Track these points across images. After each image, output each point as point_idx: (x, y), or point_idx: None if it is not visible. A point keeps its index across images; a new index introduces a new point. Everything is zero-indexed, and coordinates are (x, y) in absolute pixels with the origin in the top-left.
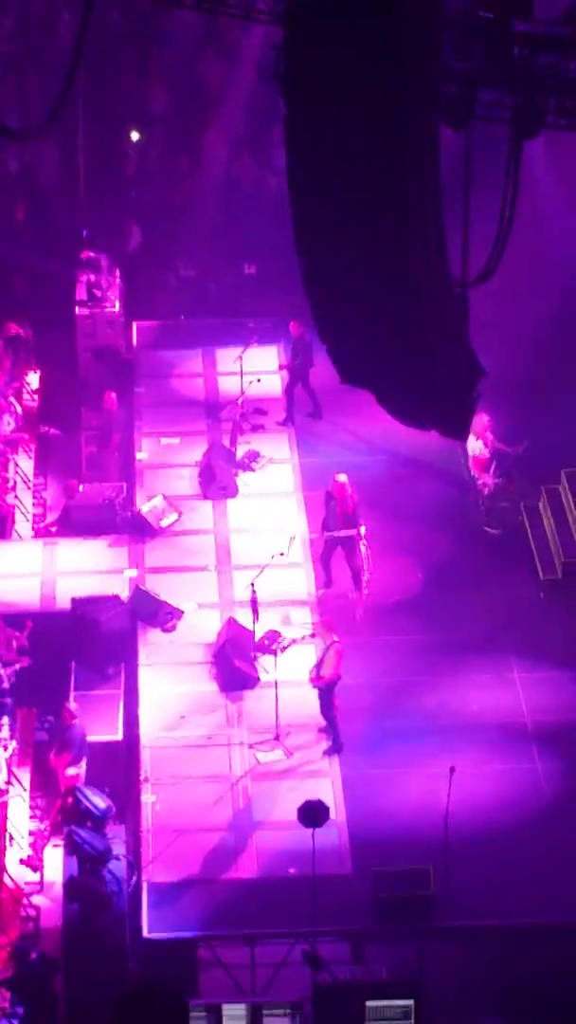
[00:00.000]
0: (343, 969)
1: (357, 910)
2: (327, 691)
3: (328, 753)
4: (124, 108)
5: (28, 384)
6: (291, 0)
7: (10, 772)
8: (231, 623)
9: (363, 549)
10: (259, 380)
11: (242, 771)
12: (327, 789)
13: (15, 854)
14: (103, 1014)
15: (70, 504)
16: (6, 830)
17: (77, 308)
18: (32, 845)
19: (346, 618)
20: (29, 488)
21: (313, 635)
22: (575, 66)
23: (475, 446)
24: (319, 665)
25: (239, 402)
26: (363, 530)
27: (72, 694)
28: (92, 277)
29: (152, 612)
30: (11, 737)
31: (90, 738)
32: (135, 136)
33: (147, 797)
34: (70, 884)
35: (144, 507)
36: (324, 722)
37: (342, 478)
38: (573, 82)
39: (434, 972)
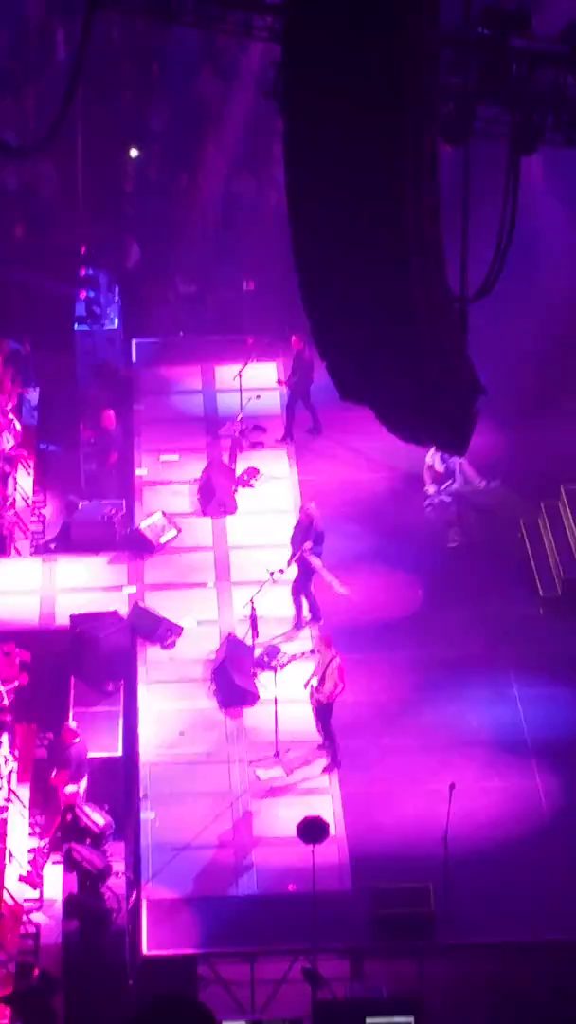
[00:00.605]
0: (343, 986)
1: (357, 927)
2: (327, 707)
3: (328, 769)
4: (123, 125)
5: (27, 401)
6: (290, 18)
7: (10, 789)
8: (230, 639)
9: (313, 561)
10: (258, 397)
11: (242, 788)
12: (327, 806)
13: (14, 871)
14: None
15: (69, 521)
16: (6, 847)
17: (76, 325)
18: (31, 862)
19: (347, 633)
20: (28, 505)
21: (313, 651)
22: (573, 82)
23: (433, 458)
24: (320, 681)
25: (238, 419)
26: (308, 544)
27: (72, 711)
28: (91, 294)
29: (151, 629)
30: (11, 754)
31: (89, 755)
32: (134, 153)
33: (146, 814)
34: (69, 901)
35: (143, 524)
36: (323, 738)
37: (311, 506)
38: (571, 98)
39: (434, 989)
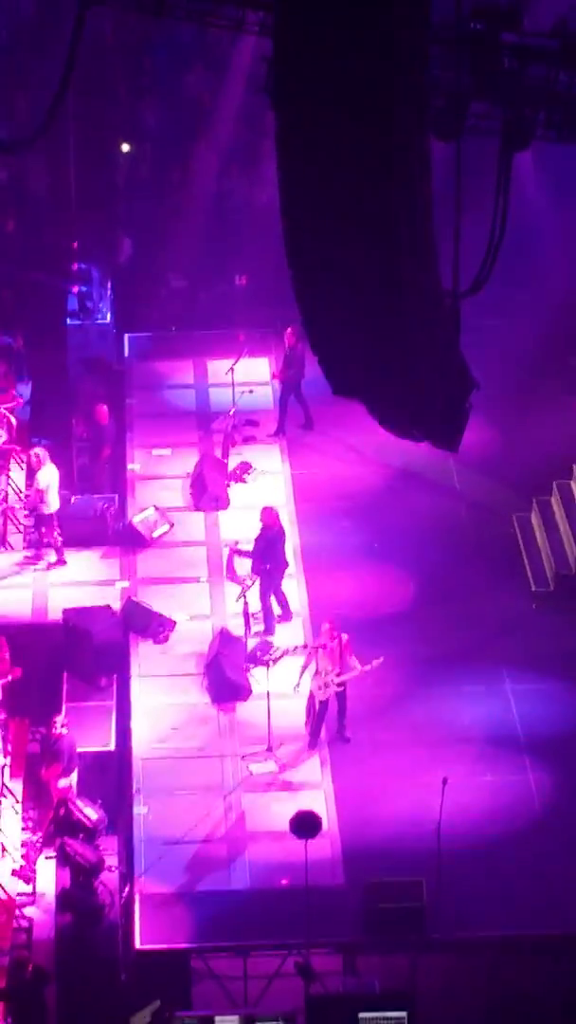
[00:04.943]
0: (336, 981)
1: (350, 921)
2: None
3: (311, 746)
4: (115, 120)
5: (20, 395)
6: (281, 13)
7: (2, 783)
8: (223, 634)
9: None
10: (251, 391)
11: (234, 782)
12: (319, 800)
13: (7, 865)
14: None
15: (62, 516)
16: None
17: (68, 319)
18: (24, 856)
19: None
20: (20, 499)
21: (304, 646)
22: (565, 78)
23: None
24: (341, 666)
25: (231, 413)
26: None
27: (64, 705)
28: (83, 288)
29: (144, 623)
30: (3, 748)
31: (82, 749)
32: (126, 148)
33: (139, 808)
34: (62, 895)
35: (136, 518)
36: (312, 725)
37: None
38: (563, 95)
39: (427, 984)
